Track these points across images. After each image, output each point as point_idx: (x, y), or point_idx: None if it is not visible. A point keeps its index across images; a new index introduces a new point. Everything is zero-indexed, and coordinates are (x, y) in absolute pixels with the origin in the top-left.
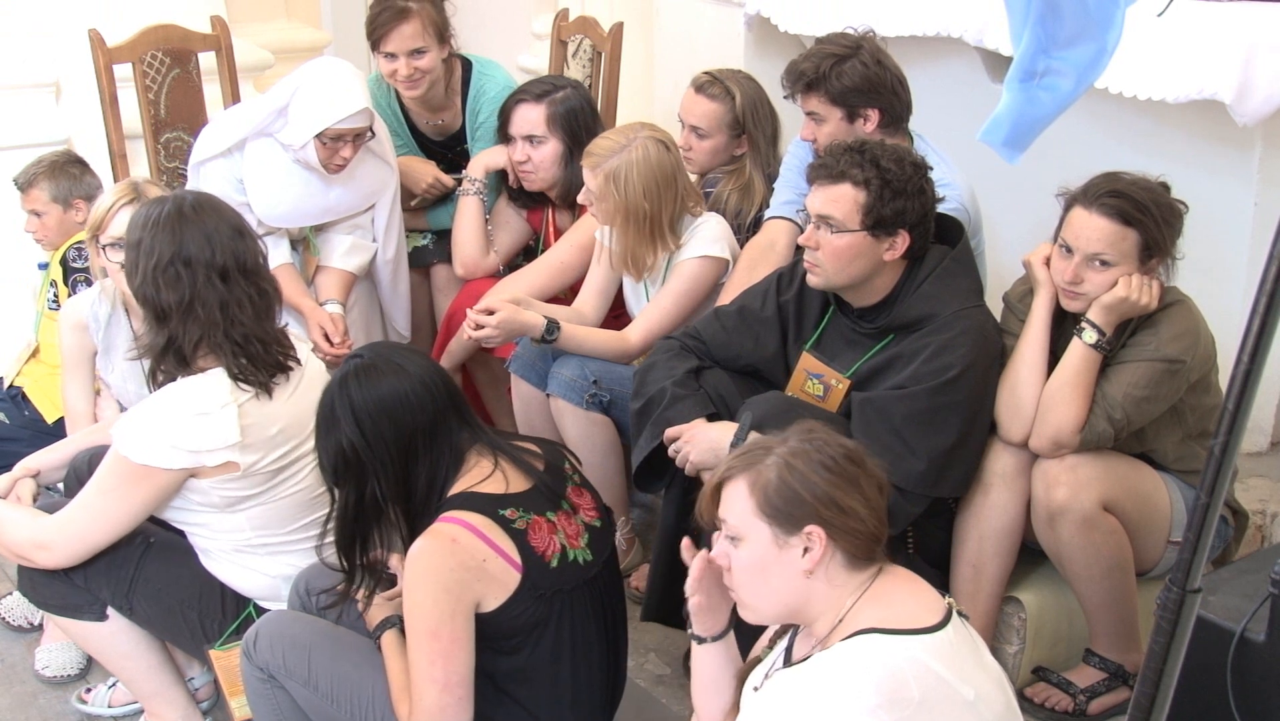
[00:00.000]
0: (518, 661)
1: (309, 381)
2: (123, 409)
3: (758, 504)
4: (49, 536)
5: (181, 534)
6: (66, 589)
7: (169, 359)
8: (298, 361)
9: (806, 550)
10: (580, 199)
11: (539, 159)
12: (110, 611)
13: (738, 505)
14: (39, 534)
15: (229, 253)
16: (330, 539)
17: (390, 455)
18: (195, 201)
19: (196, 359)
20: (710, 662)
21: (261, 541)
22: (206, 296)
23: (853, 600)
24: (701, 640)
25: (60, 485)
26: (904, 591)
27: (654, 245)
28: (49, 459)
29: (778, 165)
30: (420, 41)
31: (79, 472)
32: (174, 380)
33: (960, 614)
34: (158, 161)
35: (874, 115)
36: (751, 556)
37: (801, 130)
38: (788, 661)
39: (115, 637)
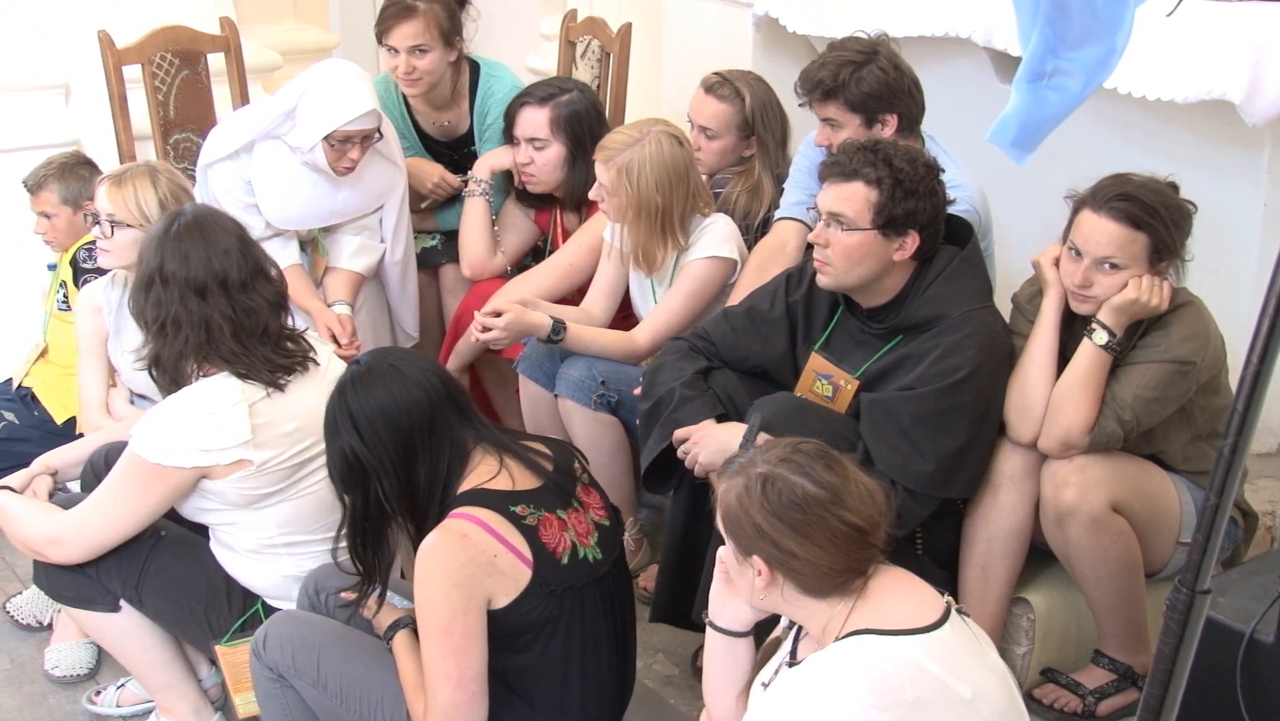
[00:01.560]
0: (528, 660)
1: (331, 381)
2: (133, 398)
3: (721, 517)
4: (62, 532)
5: (199, 530)
6: (80, 580)
7: (158, 370)
8: (315, 361)
9: (758, 574)
10: (592, 195)
11: (542, 162)
12: (123, 604)
13: (718, 511)
14: (53, 530)
15: (208, 271)
16: (344, 544)
17: (391, 457)
18: (187, 220)
19: (203, 367)
20: (725, 654)
21: (286, 540)
22: (180, 315)
23: (845, 604)
24: (719, 629)
25: (74, 483)
26: (900, 591)
27: (665, 241)
28: (67, 456)
29: (787, 166)
30: (422, 40)
31: (96, 469)
32: (175, 385)
33: (960, 611)
34: (167, 163)
35: (892, 120)
36: (728, 559)
37: (816, 136)
38: (792, 661)
39: (128, 630)
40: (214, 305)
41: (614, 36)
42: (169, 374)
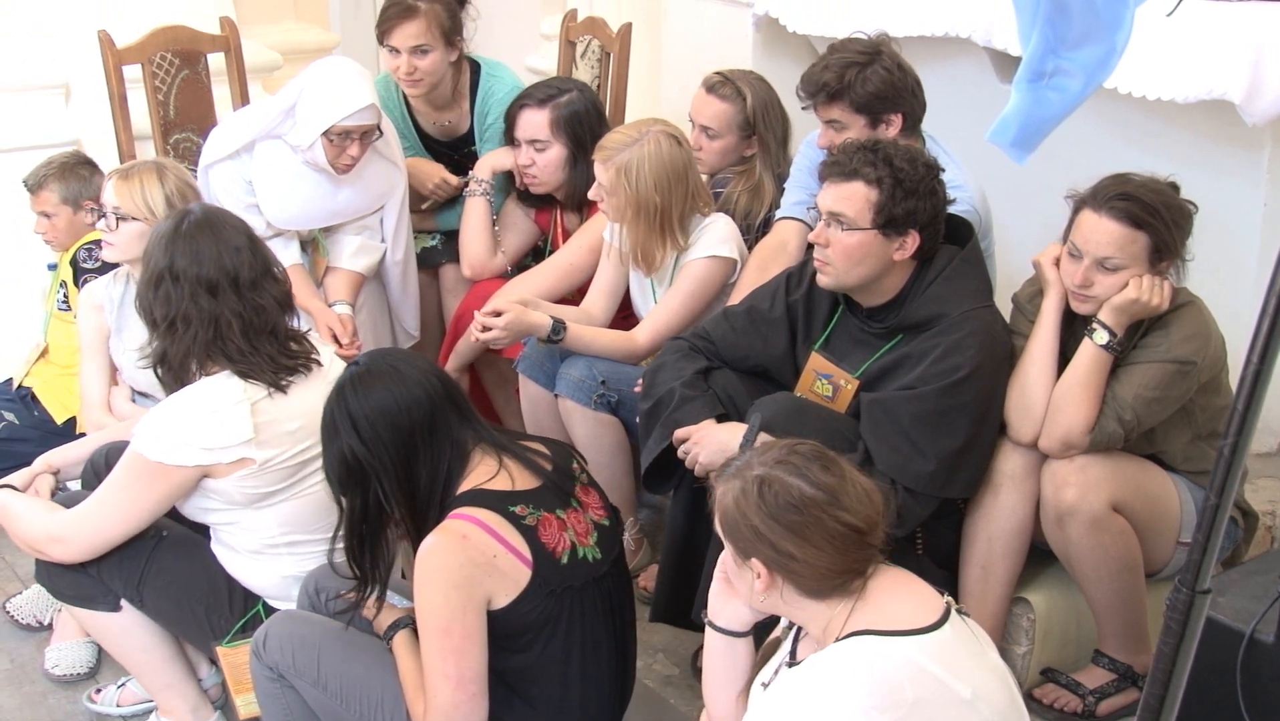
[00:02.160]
0: (527, 660)
1: (333, 382)
2: (134, 396)
3: (719, 520)
4: (64, 530)
5: (201, 530)
6: (82, 579)
7: (163, 368)
8: (318, 363)
9: (757, 576)
10: (591, 194)
11: (543, 163)
12: (124, 603)
13: (716, 514)
14: (55, 528)
15: (219, 268)
16: (341, 545)
17: (391, 457)
18: (197, 218)
19: (206, 365)
20: (725, 654)
21: (287, 540)
22: (190, 312)
23: (845, 605)
24: (718, 629)
25: (75, 482)
26: (900, 592)
27: (664, 240)
28: (68, 455)
29: (788, 166)
30: (424, 40)
31: (96, 468)
32: (179, 384)
33: (960, 611)
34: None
35: (897, 120)
36: (726, 561)
37: (819, 139)
38: (792, 661)
39: (129, 630)
40: (224, 302)
41: (614, 36)
42: (174, 371)
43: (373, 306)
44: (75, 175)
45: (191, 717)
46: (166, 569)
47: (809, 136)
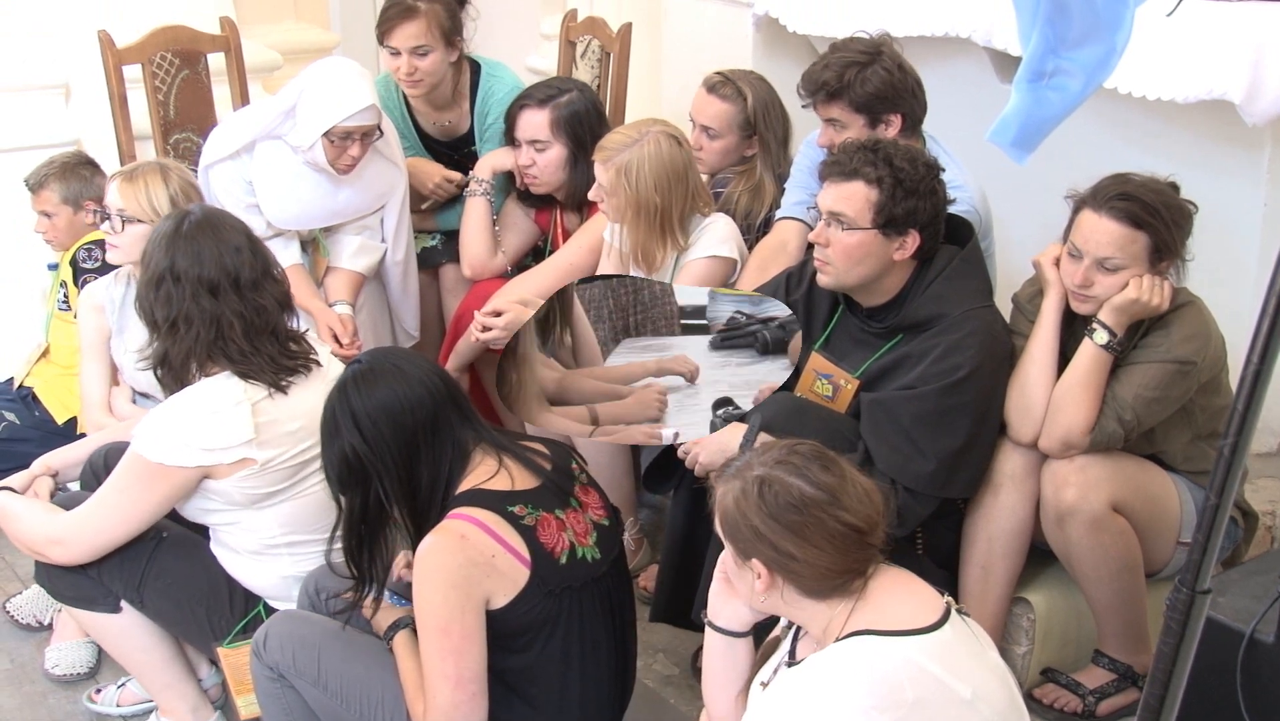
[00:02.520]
0: (527, 660)
1: (333, 381)
2: (135, 397)
3: (719, 520)
4: (64, 532)
5: (201, 531)
6: (81, 580)
7: (164, 370)
8: (318, 363)
9: (758, 576)
10: (591, 195)
11: (543, 163)
12: (124, 604)
13: (716, 515)
14: (55, 530)
15: (220, 269)
16: (339, 545)
17: (393, 456)
18: (197, 218)
19: (206, 366)
20: (724, 654)
21: (288, 541)
22: (192, 313)
23: (845, 605)
24: (718, 629)
25: (75, 484)
26: (900, 592)
27: (664, 240)
28: (67, 457)
29: (788, 166)
30: (423, 40)
31: (95, 469)
32: (179, 386)
33: (960, 611)
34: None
35: (896, 120)
36: (726, 561)
37: (819, 137)
38: (791, 661)
39: (129, 630)
40: (226, 303)
41: (614, 36)
42: (175, 373)
43: (373, 306)
44: (76, 175)
45: (191, 717)
46: (167, 570)
47: (809, 136)
